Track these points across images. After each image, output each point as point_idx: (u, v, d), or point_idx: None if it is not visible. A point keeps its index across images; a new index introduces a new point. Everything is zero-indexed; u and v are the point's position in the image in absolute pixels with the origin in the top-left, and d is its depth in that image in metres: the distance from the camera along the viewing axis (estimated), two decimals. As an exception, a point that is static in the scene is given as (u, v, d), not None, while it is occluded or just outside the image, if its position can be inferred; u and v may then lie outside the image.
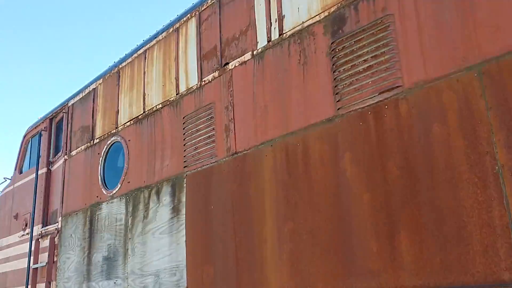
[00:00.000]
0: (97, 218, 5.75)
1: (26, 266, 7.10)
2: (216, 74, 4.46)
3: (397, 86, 3.14)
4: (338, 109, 3.43)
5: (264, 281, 3.60)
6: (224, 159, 4.21)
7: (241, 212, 3.92)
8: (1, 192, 8.82)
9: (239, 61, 4.24)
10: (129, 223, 5.19)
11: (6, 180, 8.72)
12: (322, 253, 3.31)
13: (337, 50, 3.53)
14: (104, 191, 5.74)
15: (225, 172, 4.16)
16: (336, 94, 3.46)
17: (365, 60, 3.36)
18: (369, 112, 3.25)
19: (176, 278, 4.41)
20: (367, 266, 3.04)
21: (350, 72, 3.42)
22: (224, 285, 3.90)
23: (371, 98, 3.26)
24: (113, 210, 5.51)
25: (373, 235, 3.03)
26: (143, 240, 4.92)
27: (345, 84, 3.43)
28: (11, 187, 8.38)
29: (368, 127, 3.23)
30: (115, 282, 5.19)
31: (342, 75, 3.47)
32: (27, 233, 7.36)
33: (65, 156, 6.74)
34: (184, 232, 4.44)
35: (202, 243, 4.23)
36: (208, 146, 4.41)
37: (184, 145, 4.70)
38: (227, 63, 4.36)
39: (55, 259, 6.45)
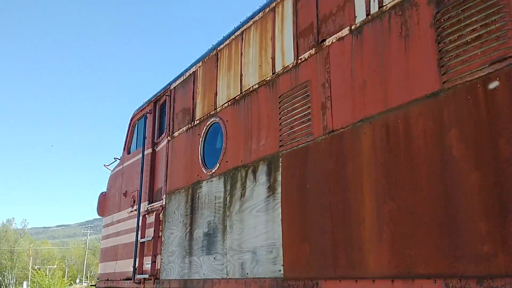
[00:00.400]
0: (198, 196, 5.98)
1: (134, 240, 7.62)
2: (312, 51, 4.39)
3: (510, 57, 2.86)
4: (443, 82, 3.21)
5: (362, 262, 3.51)
6: (320, 138, 4.15)
7: (338, 192, 3.85)
8: (112, 171, 9.52)
9: (336, 37, 4.14)
10: (227, 201, 5.34)
11: (116, 160, 9.40)
12: (425, 235, 3.15)
13: (443, 20, 3.29)
14: (204, 170, 5.95)
15: (321, 151, 4.11)
16: (441, 66, 3.24)
17: (473, 30, 3.10)
18: (478, 85, 3.00)
19: (273, 256, 4.46)
20: (475, 249, 2.83)
21: (456, 43, 3.18)
22: (321, 264, 3.88)
23: (480, 70, 3.01)
24: (212, 189, 5.70)
25: (482, 216, 2.81)
26: (241, 218, 5.04)
27: (451, 56, 3.20)
28: (120, 166, 9.01)
29: (477, 101, 2.99)
30: (214, 257, 5.38)
31: (447, 46, 3.23)
32: (135, 210, 7.88)
33: (168, 137, 7.09)
34: (279, 210, 4.47)
35: (298, 221, 4.22)
36: (304, 125, 4.38)
37: (279, 124, 4.70)
38: (324, 40, 4.27)
39: (160, 234, 6.84)
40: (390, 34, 3.65)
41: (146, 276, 6.87)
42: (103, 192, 9.79)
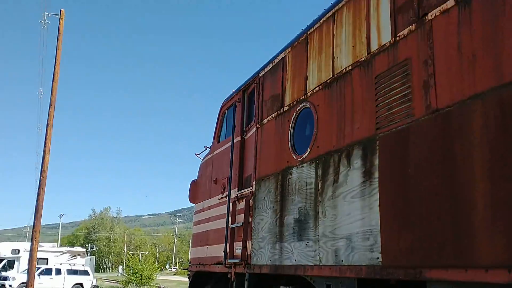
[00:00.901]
0: (288, 182, 5.92)
1: (225, 226, 7.75)
2: (412, 27, 4.13)
3: None
4: None
5: (474, 251, 3.24)
6: (423, 118, 3.90)
7: (444, 175, 3.59)
8: (203, 159, 9.76)
9: (440, 10, 3.84)
10: (319, 187, 5.22)
11: (206, 149, 9.61)
12: (548, 221, 2.83)
13: None
14: (294, 156, 5.88)
15: (424, 132, 3.85)
16: None
17: None
18: None
19: (370, 243, 4.28)
20: None
21: None
22: (425, 252, 3.65)
23: None
24: (303, 174, 5.61)
25: None
26: (334, 204, 4.90)
27: None
28: (211, 155, 9.20)
29: None
30: (306, 244, 5.30)
31: None
32: (225, 196, 8.01)
33: (257, 125, 7.09)
34: (377, 196, 4.27)
35: (398, 207, 4.01)
36: (404, 106, 4.14)
37: (376, 106, 4.49)
38: (426, 14, 4.00)
39: (250, 220, 6.88)
40: (504, 2, 3.32)
41: (237, 261, 6.95)
42: (194, 180, 10.07)
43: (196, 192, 9.80)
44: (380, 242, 4.16)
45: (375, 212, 4.27)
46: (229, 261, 7.22)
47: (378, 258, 4.16)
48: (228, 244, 7.37)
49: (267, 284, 7.05)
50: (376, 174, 4.33)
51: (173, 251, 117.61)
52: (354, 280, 4.55)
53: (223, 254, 7.64)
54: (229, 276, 7.42)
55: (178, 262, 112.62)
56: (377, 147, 4.39)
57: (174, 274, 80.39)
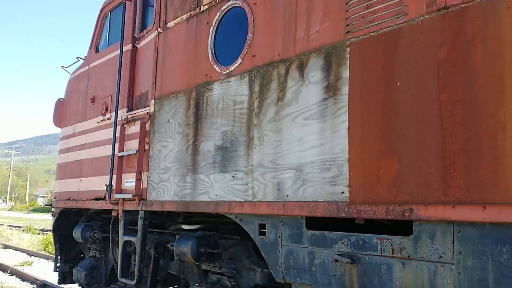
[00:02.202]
0: (206, 101, 4.78)
1: (108, 154, 6.36)
2: None
3: None
4: None
5: (500, 179, 2.57)
6: (421, 18, 3.05)
7: (454, 88, 2.82)
8: (73, 73, 7.97)
9: None
10: (255, 106, 4.20)
11: (79, 60, 7.83)
12: None
13: None
14: (216, 68, 4.72)
15: (423, 36, 3.02)
16: None
17: None
18: None
19: (331, 174, 3.45)
20: None
21: None
22: (420, 185, 2.91)
23: None
24: (229, 91, 4.51)
25: None
26: (277, 127, 3.94)
27: None
28: (86, 67, 7.49)
29: None
30: (233, 176, 4.31)
31: None
32: (108, 118, 6.55)
33: (159, 29, 5.69)
34: (346, 116, 3.41)
35: (378, 130, 3.20)
36: (392, 2, 3.24)
37: (346, 3, 3.53)
38: None
39: (146, 147, 5.63)
40: None
41: (128, 196, 5.71)
42: (61, 99, 8.26)
43: (63, 113, 8.05)
44: (348, 173, 3.34)
45: (342, 137, 3.41)
46: (115, 196, 5.93)
47: (343, 192, 3.36)
48: (114, 176, 6.04)
49: (165, 224, 5.99)
50: (345, 90, 3.45)
51: (8, 185, 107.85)
52: (301, 219, 3.73)
53: (105, 188, 6.30)
54: (114, 214, 6.15)
55: (14, 197, 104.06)
56: (347, 56, 3.47)
57: (9, 210, 74.11)
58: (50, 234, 20.23)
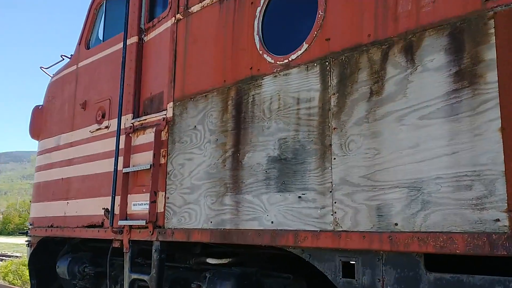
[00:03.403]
0: (252, 101, 3.73)
1: (108, 170, 5.18)
2: None
3: None
4: None
5: None
6: None
7: None
8: (55, 75, 6.72)
9: None
10: (333, 104, 3.17)
11: (63, 59, 6.60)
12: None
13: None
14: (268, 59, 3.68)
15: None
16: None
17: None
18: None
19: (475, 194, 2.45)
20: None
21: None
22: None
23: None
24: (289, 87, 3.48)
25: None
26: (372, 131, 2.93)
27: None
28: (73, 67, 6.28)
29: None
30: (300, 197, 3.25)
31: None
32: (106, 127, 5.37)
33: (178, 15, 4.61)
34: (496, 113, 2.43)
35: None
36: None
37: (483, -39, 2.59)
38: None
39: (162, 161, 4.49)
40: None
41: (137, 222, 4.53)
42: (39, 106, 6.98)
43: (42, 123, 6.77)
44: (506, 192, 2.35)
45: (491, 141, 2.43)
46: (120, 223, 4.74)
47: (498, 220, 2.36)
48: (117, 198, 4.85)
49: (174, 255, 4.84)
50: (491, 77, 2.48)
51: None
52: (417, 256, 2.70)
53: (103, 213, 5.10)
54: (116, 245, 4.93)
55: None
56: (491, 31, 2.52)
57: None
58: (9, 260, 18.34)
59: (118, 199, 4.84)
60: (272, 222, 3.41)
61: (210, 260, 4.48)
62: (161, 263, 4.40)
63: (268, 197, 3.47)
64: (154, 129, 4.58)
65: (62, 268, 5.91)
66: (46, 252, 6.64)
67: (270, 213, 3.44)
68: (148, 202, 4.51)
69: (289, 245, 3.29)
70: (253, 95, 3.74)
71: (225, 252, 4.55)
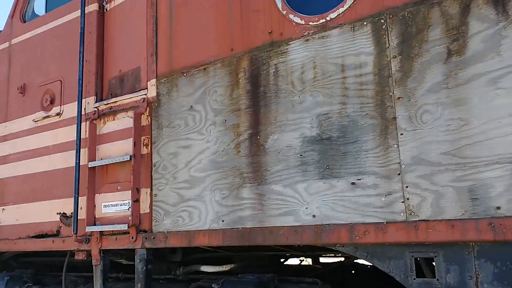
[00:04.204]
0: (274, 71, 3.08)
1: (60, 166, 4.24)
2: None
3: None
4: None
5: None
6: None
7: None
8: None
9: None
10: (394, 69, 2.63)
11: (-13, 37, 5.40)
12: None
13: None
14: (295, 20, 3.05)
15: None
16: None
17: None
18: None
19: None
20: None
21: None
22: None
23: None
24: (330, 51, 2.88)
25: None
26: (455, 97, 2.43)
27: None
28: (4, 45, 5.15)
29: None
30: (354, 183, 2.67)
31: None
32: (57, 114, 4.38)
33: (158, -25, 3.81)
34: None
35: None
36: None
37: None
38: None
39: (145, 151, 3.67)
40: None
41: (115, 227, 3.66)
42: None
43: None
44: None
45: None
46: (88, 228, 3.81)
47: None
48: (81, 199, 3.92)
49: (158, 266, 4.05)
50: None
51: None
52: (524, 245, 2.24)
53: (58, 218, 4.14)
54: (80, 257, 3.99)
55: None
56: None
57: None
58: None
59: (82, 200, 3.91)
60: (313, 216, 2.79)
61: (206, 268, 3.75)
62: (148, 276, 3.57)
63: (306, 186, 2.84)
64: (133, 112, 3.73)
65: (-5, 291, 4.77)
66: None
67: (310, 205, 2.81)
68: (127, 201, 3.66)
69: (341, 242, 2.69)
70: (275, 64, 3.09)
71: (211, 258, 3.88)
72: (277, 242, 2.92)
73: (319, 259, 5.46)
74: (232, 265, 3.65)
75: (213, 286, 3.30)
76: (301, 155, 2.89)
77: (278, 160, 2.98)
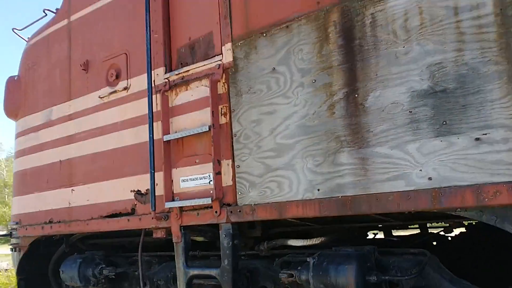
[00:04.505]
0: (372, 21, 2.76)
1: (131, 142, 4.08)
2: None
3: None
4: None
5: None
6: None
7: None
8: (34, 36, 5.41)
9: None
10: (523, 5, 2.28)
11: (46, 15, 5.29)
12: None
13: None
14: (394, -39, 2.72)
15: None
16: None
17: None
18: None
19: None
20: None
21: None
22: None
23: None
24: (440, -8, 2.54)
25: None
26: None
27: None
28: (63, 22, 5.01)
29: None
30: (478, 139, 2.35)
31: None
32: (125, 88, 4.22)
33: None
34: None
35: None
36: None
37: None
38: None
39: (223, 121, 3.44)
40: None
41: (197, 202, 3.47)
42: (14, 77, 5.63)
43: (21, 97, 5.45)
44: None
45: None
46: (168, 205, 3.64)
47: None
48: (158, 175, 3.75)
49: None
50: None
51: None
52: None
53: (132, 196, 4.00)
54: (159, 235, 3.84)
55: None
56: None
57: None
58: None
59: (158, 176, 3.74)
60: (429, 179, 2.50)
61: (294, 242, 3.52)
62: (235, 251, 3.38)
63: (419, 146, 2.55)
64: (208, 80, 3.50)
65: (70, 273, 4.71)
66: (36, 257, 5.41)
67: (425, 166, 2.52)
68: (207, 175, 3.46)
69: (465, 205, 2.39)
70: (371, 14, 2.77)
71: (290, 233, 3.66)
72: (385, 210, 2.65)
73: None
74: (323, 238, 3.40)
75: (308, 260, 3.07)
76: (411, 111, 2.59)
77: (382, 120, 2.69)
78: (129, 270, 4.66)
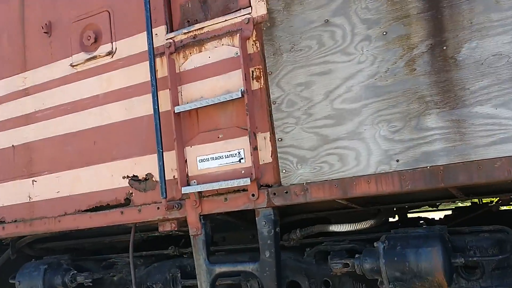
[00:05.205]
0: (461, -39, 2.36)
1: (128, 117, 3.33)
2: None
3: None
4: None
5: None
6: None
7: None
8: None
9: None
10: None
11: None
12: None
13: None
14: None
15: None
16: None
17: None
18: None
19: None
20: None
21: None
22: None
23: None
24: None
25: None
26: None
27: None
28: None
29: None
30: None
31: None
32: (109, 53, 3.44)
33: None
34: None
35: None
36: None
37: None
38: None
39: (258, 86, 2.86)
40: None
41: (228, 184, 2.85)
42: None
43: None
44: None
45: None
46: (185, 190, 2.97)
47: None
48: (168, 155, 3.06)
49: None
50: None
51: None
52: None
53: (127, 183, 3.27)
54: (167, 228, 3.15)
55: None
56: None
57: None
58: None
59: (171, 155, 3.05)
60: None
61: (334, 227, 3.03)
62: (277, 241, 2.81)
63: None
64: (237, 37, 2.88)
65: (30, 283, 3.80)
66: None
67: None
68: (236, 151, 2.86)
69: None
70: (460, -48, 2.38)
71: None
72: (492, 179, 2.26)
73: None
74: (372, 221, 2.96)
75: (375, 244, 2.60)
76: (521, 64, 2.23)
77: (482, 74, 2.30)
78: (106, 275, 3.88)
